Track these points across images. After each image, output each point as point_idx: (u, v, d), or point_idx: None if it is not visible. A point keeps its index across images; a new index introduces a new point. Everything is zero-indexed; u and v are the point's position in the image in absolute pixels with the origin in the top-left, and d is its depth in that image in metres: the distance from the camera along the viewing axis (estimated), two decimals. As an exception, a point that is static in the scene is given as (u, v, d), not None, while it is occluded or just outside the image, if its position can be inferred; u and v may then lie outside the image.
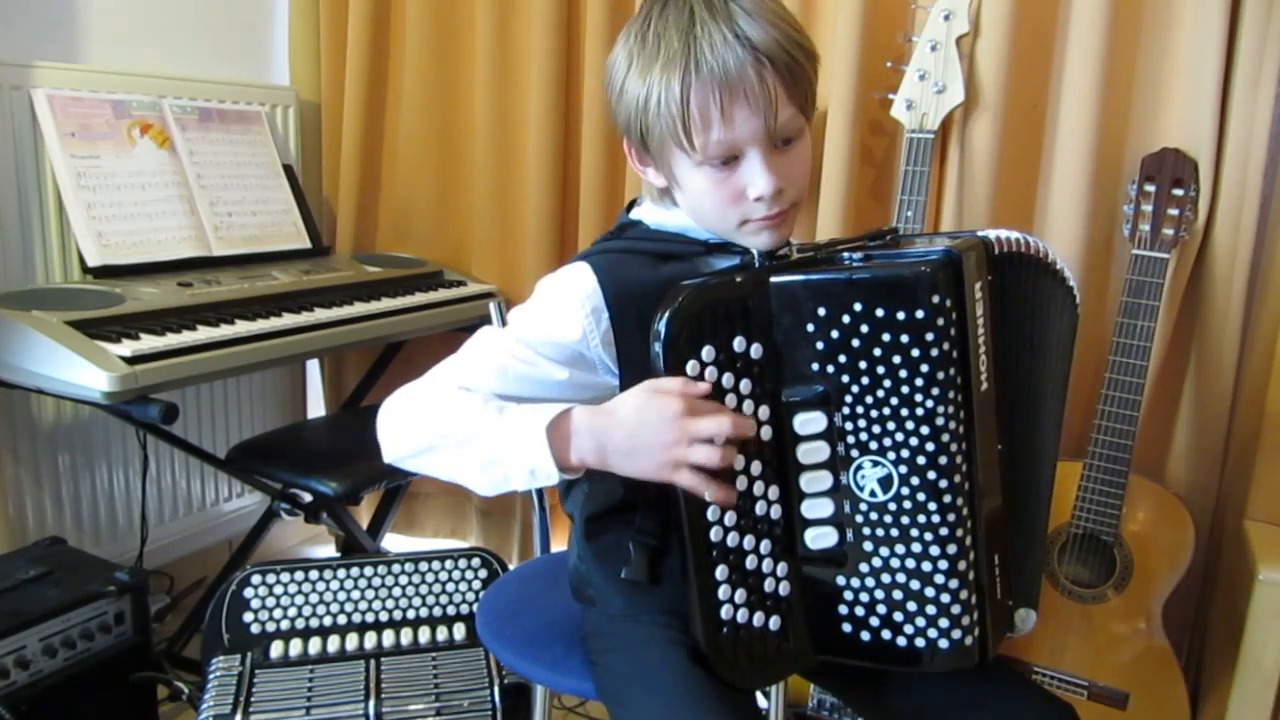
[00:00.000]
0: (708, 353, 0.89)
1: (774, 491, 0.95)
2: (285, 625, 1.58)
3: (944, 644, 0.95)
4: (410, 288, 2.10)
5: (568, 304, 0.97)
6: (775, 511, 0.95)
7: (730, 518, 0.92)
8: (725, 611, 0.94)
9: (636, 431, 0.88)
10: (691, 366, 0.89)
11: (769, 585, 0.96)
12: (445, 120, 2.27)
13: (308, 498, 1.86)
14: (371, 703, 1.44)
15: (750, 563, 0.95)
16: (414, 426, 0.97)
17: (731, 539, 0.93)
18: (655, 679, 0.98)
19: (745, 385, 0.92)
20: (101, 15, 1.98)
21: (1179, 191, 1.60)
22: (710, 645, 0.94)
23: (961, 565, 0.94)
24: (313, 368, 2.48)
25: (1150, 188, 1.61)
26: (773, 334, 0.93)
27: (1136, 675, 1.63)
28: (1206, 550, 1.77)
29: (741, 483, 0.93)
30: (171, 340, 1.56)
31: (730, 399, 0.91)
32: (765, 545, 0.95)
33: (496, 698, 1.47)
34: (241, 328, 1.67)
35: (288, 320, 1.76)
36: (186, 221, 1.94)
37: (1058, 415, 1.07)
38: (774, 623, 0.97)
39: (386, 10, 2.28)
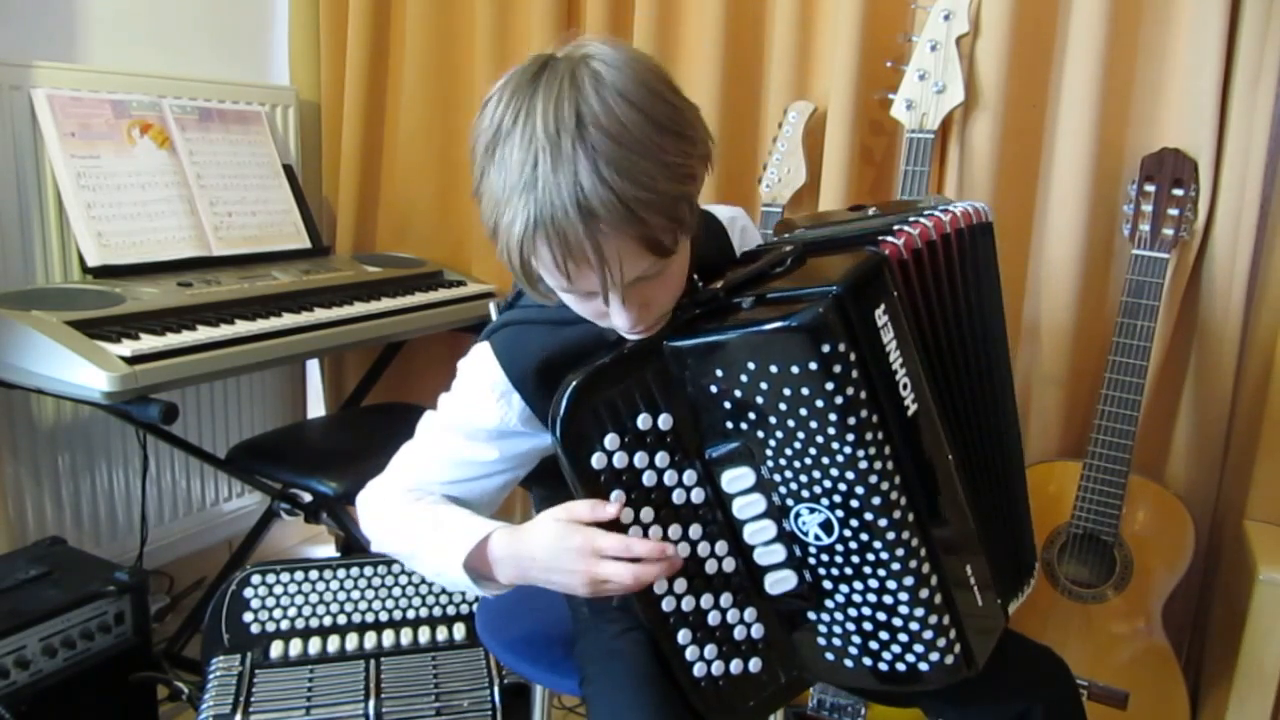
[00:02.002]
0: (611, 441, 0.88)
1: (722, 546, 0.94)
2: (285, 625, 1.58)
3: (924, 666, 0.94)
4: (410, 288, 2.10)
5: (479, 393, 1.00)
6: (729, 564, 0.94)
7: (680, 584, 0.92)
8: (699, 669, 0.94)
9: (550, 565, 0.91)
10: (597, 459, 0.87)
11: (739, 633, 0.96)
12: (445, 120, 2.27)
13: (308, 498, 1.86)
14: (371, 703, 1.44)
15: (714, 618, 0.94)
16: (380, 535, 1.05)
17: (687, 603, 0.93)
18: (626, 682, 0.99)
19: (661, 458, 0.90)
20: (101, 15, 1.98)
21: (1179, 191, 1.60)
22: (696, 700, 0.95)
23: (924, 593, 0.91)
24: (313, 368, 2.48)
25: (1150, 188, 1.61)
26: (681, 396, 0.89)
27: (1136, 675, 1.63)
28: (1206, 550, 1.77)
29: (684, 549, 0.92)
30: (171, 340, 1.56)
31: (649, 476, 0.90)
32: (726, 598, 0.94)
33: (496, 698, 1.47)
34: (241, 328, 1.67)
35: (288, 320, 1.76)
36: (186, 221, 1.93)
37: (1008, 367, 1.07)
38: (754, 664, 0.96)
39: (386, 10, 2.28)
